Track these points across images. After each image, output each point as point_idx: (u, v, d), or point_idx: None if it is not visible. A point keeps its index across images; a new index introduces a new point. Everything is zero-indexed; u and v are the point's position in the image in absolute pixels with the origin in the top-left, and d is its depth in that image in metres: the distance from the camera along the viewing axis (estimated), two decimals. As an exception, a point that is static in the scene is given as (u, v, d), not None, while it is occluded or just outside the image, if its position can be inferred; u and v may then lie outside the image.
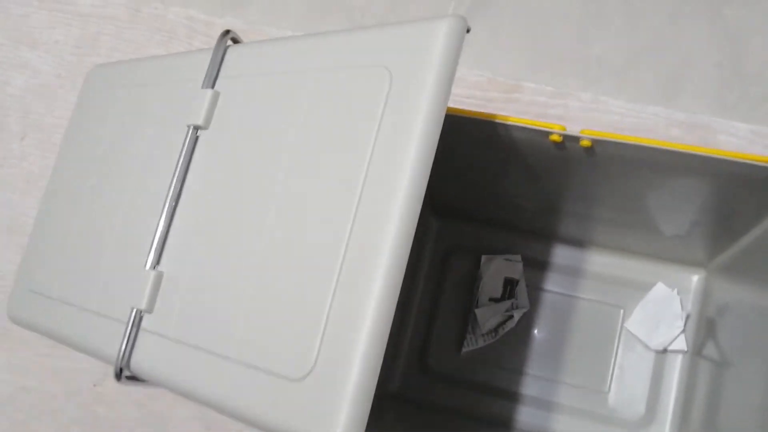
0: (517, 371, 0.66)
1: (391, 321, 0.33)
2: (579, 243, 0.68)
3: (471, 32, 0.35)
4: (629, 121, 0.72)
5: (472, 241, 0.70)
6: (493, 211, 0.67)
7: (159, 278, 0.44)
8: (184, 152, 0.46)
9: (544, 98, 0.74)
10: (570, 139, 0.46)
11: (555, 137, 0.46)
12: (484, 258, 0.68)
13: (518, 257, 0.68)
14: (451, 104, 0.38)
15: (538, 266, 0.68)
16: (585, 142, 0.46)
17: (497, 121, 0.46)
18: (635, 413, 0.64)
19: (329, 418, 0.32)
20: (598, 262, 0.67)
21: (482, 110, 0.53)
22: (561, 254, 0.68)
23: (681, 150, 0.44)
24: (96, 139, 0.56)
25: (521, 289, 0.67)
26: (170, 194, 0.45)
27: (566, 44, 0.76)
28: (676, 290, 0.65)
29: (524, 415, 0.65)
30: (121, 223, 0.50)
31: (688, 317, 0.64)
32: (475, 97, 0.75)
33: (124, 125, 0.54)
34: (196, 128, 0.47)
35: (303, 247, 0.36)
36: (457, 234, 0.70)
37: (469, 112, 0.46)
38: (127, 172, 0.51)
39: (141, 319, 0.44)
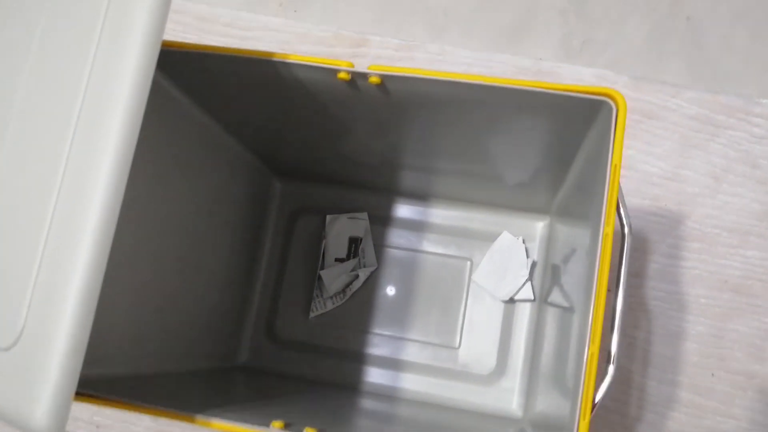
0: (367, 332, 0.64)
1: (100, 280, 0.31)
2: (424, 197, 0.66)
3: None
4: (477, 71, 0.70)
5: (318, 202, 0.67)
6: (335, 169, 0.64)
7: None
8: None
9: (390, 51, 0.71)
10: (359, 77, 0.43)
11: (343, 75, 0.43)
12: (328, 218, 0.66)
13: (364, 215, 0.65)
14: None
15: (384, 223, 0.66)
16: (374, 79, 0.43)
17: (276, 59, 0.42)
18: (486, 367, 0.62)
19: (35, 387, 0.30)
20: (444, 215, 0.65)
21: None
22: (407, 209, 0.66)
23: (468, 81, 0.42)
24: None
25: (368, 247, 0.65)
26: None
27: (413, -5, 0.74)
28: (521, 238, 0.63)
29: (376, 376, 0.63)
30: None
31: (534, 265, 0.63)
32: (321, 54, 0.72)
33: None
34: None
35: (17, 197, 0.33)
36: (303, 195, 0.68)
37: (249, 51, 0.43)
38: None
39: None
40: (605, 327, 0.39)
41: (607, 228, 0.38)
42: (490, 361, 0.62)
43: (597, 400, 0.38)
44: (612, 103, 0.40)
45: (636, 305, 0.64)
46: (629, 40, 0.70)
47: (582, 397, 0.37)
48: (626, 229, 0.41)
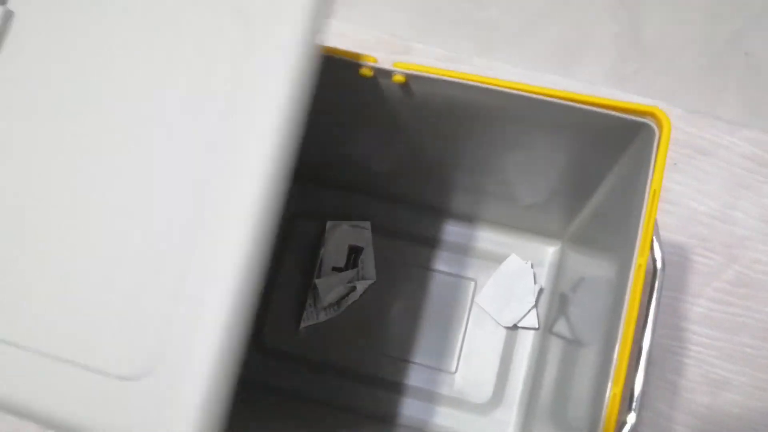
0: (358, 348, 0.60)
1: (251, 307, 0.28)
2: (430, 210, 0.62)
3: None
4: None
5: (319, 206, 0.64)
6: (339, 172, 0.61)
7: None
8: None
9: (434, 61, 0.68)
10: (382, 74, 0.40)
11: (365, 71, 0.40)
12: (329, 224, 0.62)
13: (366, 224, 0.62)
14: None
15: (386, 234, 0.62)
16: (398, 78, 0.40)
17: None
18: (482, 396, 0.59)
19: (175, 420, 0.27)
20: (450, 231, 0.62)
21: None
22: (412, 222, 0.63)
23: (504, 89, 0.39)
24: None
25: (368, 259, 0.61)
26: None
27: (460, 5, 0.70)
28: (530, 263, 0.60)
29: (364, 395, 0.60)
30: None
31: (541, 291, 0.60)
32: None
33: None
34: None
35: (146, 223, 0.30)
36: (303, 197, 0.64)
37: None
38: None
39: None
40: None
41: (640, 258, 0.35)
42: (487, 390, 0.59)
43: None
44: (654, 124, 0.37)
45: (678, 349, 0.60)
46: (684, 71, 0.67)
47: (600, 441, 0.34)
48: (659, 263, 0.38)
